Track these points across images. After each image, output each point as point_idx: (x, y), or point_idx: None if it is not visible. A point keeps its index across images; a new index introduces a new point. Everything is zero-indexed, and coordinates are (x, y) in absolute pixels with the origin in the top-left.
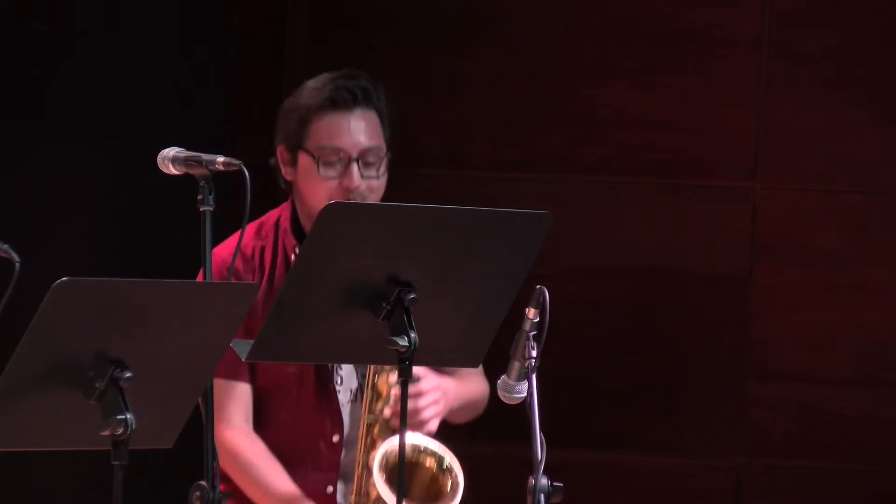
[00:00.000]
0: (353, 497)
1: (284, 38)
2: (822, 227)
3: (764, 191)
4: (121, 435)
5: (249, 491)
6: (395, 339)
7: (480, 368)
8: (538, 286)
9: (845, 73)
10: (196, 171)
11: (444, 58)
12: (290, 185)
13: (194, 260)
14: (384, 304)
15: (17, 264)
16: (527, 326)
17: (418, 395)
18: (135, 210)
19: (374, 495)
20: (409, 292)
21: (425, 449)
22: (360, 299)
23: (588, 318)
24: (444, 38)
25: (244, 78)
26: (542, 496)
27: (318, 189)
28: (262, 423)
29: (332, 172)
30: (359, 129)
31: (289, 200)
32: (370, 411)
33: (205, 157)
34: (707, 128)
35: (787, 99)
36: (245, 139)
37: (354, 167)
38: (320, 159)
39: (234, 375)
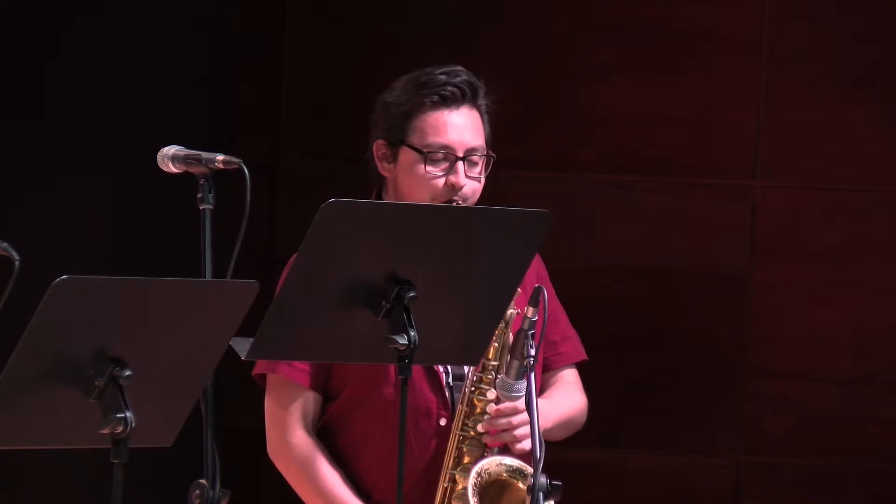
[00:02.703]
0: None
1: (284, 35)
2: (821, 225)
3: (764, 189)
4: (120, 433)
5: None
6: (394, 337)
7: (578, 381)
8: (536, 285)
9: (845, 72)
10: (196, 170)
11: (442, 54)
12: (380, 181)
13: (194, 259)
14: (384, 303)
15: (17, 262)
16: (525, 325)
17: (515, 412)
18: (135, 208)
19: None
20: (409, 290)
21: (518, 470)
22: (359, 298)
23: (587, 316)
24: (442, 34)
25: (244, 76)
26: (541, 494)
27: (421, 185)
28: (361, 399)
29: (438, 170)
30: (466, 128)
31: (372, 196)
32: (463, 426)
33: (204, 155)
34: (707, 126)
35: (786, 97)
36: (245, 137)
37: (461, 165)
38: (428, 156)
39: (301, 379)
